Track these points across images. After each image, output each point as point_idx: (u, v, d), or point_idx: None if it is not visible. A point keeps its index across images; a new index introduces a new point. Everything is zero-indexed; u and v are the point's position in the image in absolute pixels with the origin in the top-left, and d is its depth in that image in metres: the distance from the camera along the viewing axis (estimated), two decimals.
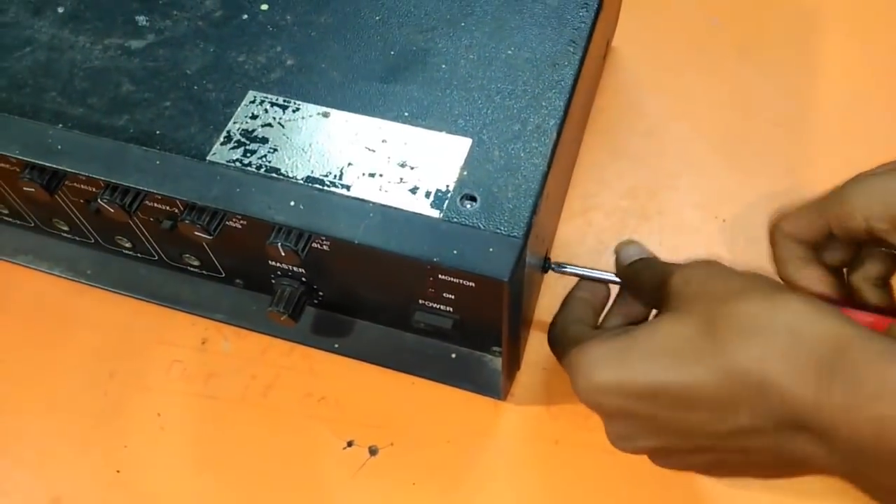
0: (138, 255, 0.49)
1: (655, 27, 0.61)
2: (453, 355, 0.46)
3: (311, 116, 0.39)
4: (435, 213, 0.35)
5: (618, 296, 0.40)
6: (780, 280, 0.36)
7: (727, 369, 0.28)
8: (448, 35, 0.41)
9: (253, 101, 0.39)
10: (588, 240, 0.51)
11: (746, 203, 0.52)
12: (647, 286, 0.36)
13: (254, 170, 0.37)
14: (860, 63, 0.58)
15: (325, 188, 0.36)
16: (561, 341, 0.38)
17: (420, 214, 0.35)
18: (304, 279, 0.43)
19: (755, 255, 0.50)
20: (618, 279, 0.40)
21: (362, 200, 0.36)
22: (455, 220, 0.35)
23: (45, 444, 0.45)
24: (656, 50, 0.60)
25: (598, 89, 0.57)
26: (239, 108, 0.39)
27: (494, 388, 0.45)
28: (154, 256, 0.48)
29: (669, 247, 0.50)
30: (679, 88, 0.58)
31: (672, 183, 0.53)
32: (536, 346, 0.47)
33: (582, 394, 0.33)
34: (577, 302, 0.40)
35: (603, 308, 0.40)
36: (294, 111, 0.39)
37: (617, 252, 0.40)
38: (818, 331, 0.27)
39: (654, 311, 0.38)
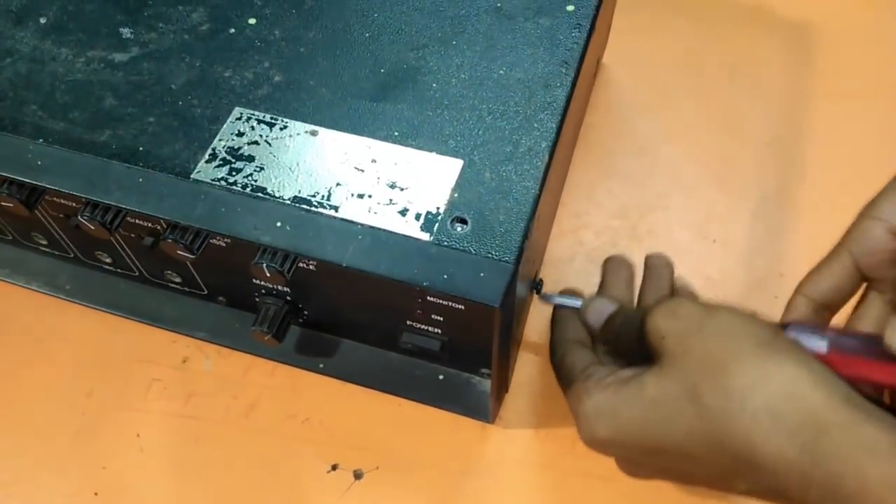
0: (118, 270, 0.47)
1: (646, 45, 0.61)
2: (441, 377, 0.45)
3: (298, 134, 0.38)
4: (425, 236, 0.34)
5: None
6: None
7: (718, 445, 0.28)
8: (439, 53, 0.41)
9: (239, 118, 0.38)
10: (578, 258, 0.51)
11: (737, 224, 0.52)
12: (626, 345, 0.35)
13: (239, 189, 0.36)
14: (851, 84, 0.59)
15: (313, 209, 0.35)
16: (560, 369, 0.37)
17: (410, 237, 0.34)
18: (288, 298, 0.43)
19: (745, 277, 0.50)
20: None
21: (351, 222, 0.35)
22: (445, 243, 0.34)
23: (20, 465, 0.44)
24: (647, 68, 0.60)
25: (588, 106, 0.57)
26: (225, 125, 0.38)
27: (483, 410, 0.44)
28: (135, 272, 0.47)
29: None
30: (670, 107, 0.58)
31: (663, 203, 0.53)
32: (525, 368, 0.46)
33: (586, 443, 0.33)
34: (568, 321, 0.40)
35: None
36: (281, 129, 0.38)
37: (583, 315, 0.39)
38: (801, 410, 0.27)
39: None
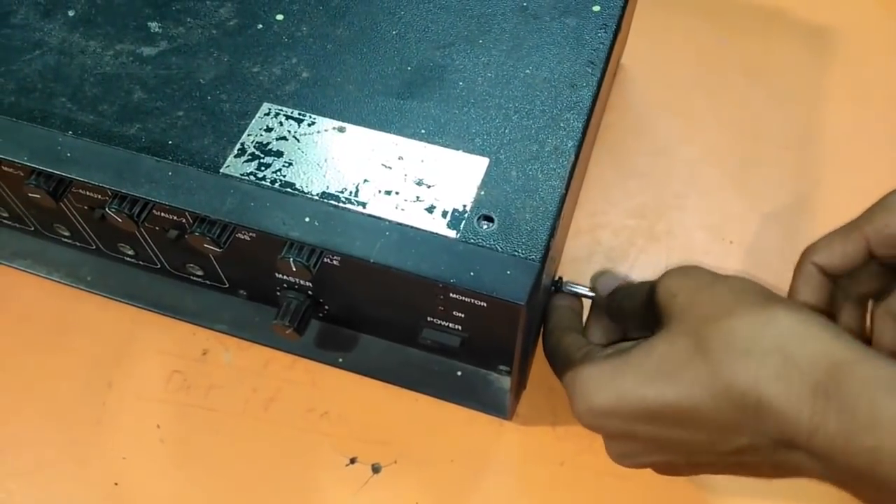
0: (140, 262, 0.48)
1: (665, 46, 0.61)
2: (459, 373, 0.45)
3: (326, 131, 0.38)
4: (452, 234, 0.35)
5: (591, 308, 0.41)
6: None
7: (723, 392, 0.28)
8: (466, 52, 0.41)
9: (268, 114, 0.39)
10: (596, 258, 0.51)
11: (754, 225, 0.52)
12: (630, 312, 0.37)
13: (268, 184, 0.36)
14: (869, 87, 0.59)
15: (341, 205, 0.36)
16: (556, 353, 0.38)
17: (437, 234, 0.35)
18: (310, 292, 0.43)
19: (761, 278, 0.50)
20: None
21: (378, 218, 0.35)
22: (472, 240, 0.35)
23: (42, 454, 0.44)
24: (665, 69, 0.60)
25: (606, 106, 0.57)
26: (253, 120, 0.38)
27: (500, 407, 0.44)
28: (157, 265, 0.47)
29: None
30: (688, 108, 0.58)
31: (680, 203, 0.53)
32: (542, 366, 0.47)
33: (581, 416, 0.33)
34: (563, 311, 0.41)
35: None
36: (309, 125, 0.38)
37: (593, 284, 0.41)
38: (811, 350, 0.27)
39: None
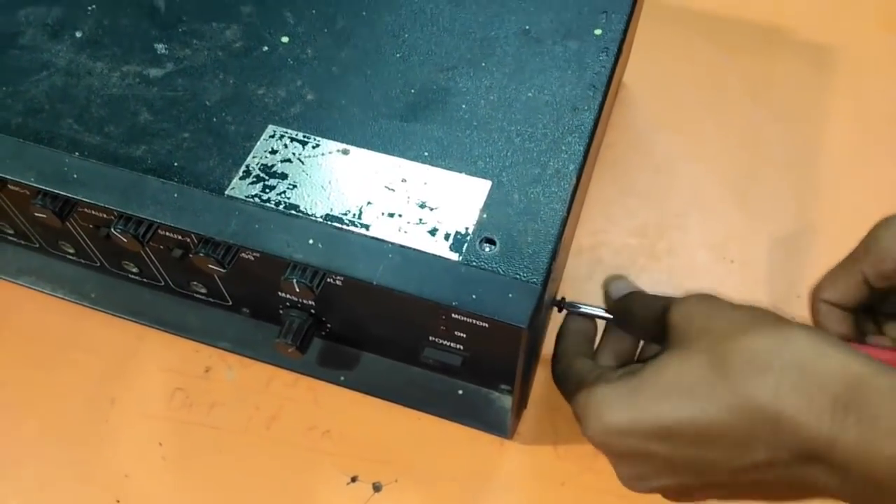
0: (144, 280, 0.48)
1: (666, 65, 0.61)
2: (460, 392, 0.45)
3: (330, 153, 0.39)
4: (454, 256, 0.35)
5: (605, 331, 0.40)
6: None
7: (742, 406, 0.28)
8: (468, 75, 0.41)
9: (272, 136, 0.39)
10: (596, 276, 0.51)
11: (755, 244, 0.52)
12: (640, 320, 0.37)
13: (272, 206, 0.37)
14: (871, 105, 0.59)
15: (345, 227, 0.36)
16: (567, 377, 0.38)
17: (439, 257, 0.35)
18: (312, 311, 0.43)
19: (764, 298, 0.50)
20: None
21: (381, 240, 0.36)
22: (474, 263, 0.35)
23: (44, 472, 0.45)
24: (667, 87, 0.60)
25: (608, 125, 0.58)
26: (258, 143, 0.39)
27: (501, 426, 0.44)
28: (160, 282, 0.48)
29: (678, 286, 0.51)
30: (689, 127, 0.58)
31: (681, 222, 0.54)
32: (543, 385, 0.47)
33: (593, 436, 0.33)
34: (574, 335, 0.40)
35: (595, 337, 0.41)
36: (314, 147, 0.39)
37: (606, 286, 0.40)
38: (829, 365, 0.27)
39: (642, 343, 0.39)
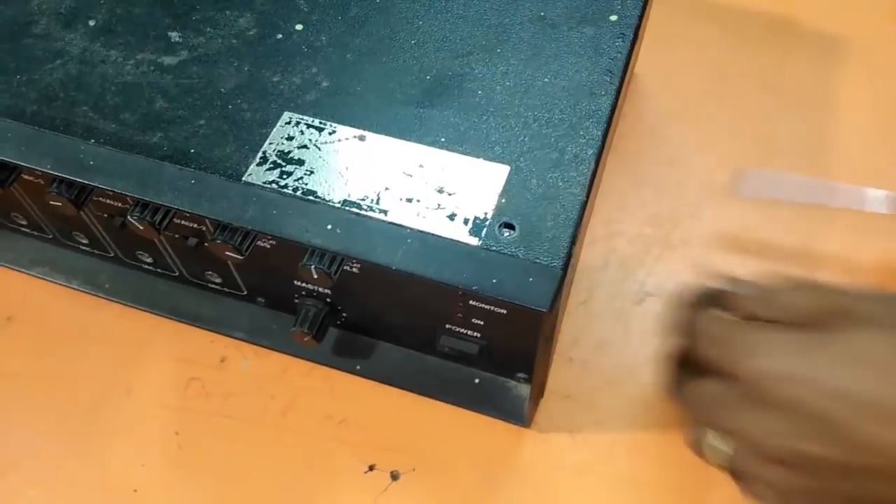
0: (158, 270, 0.48)
1: (678, 55, 0.61)
2: (477, 380, 0.45)
3: (347, 139, 0.38)
4: (473, 241, 0.35)
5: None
6: None
7: None
8: (484, 61, 0.41)
9: (288, 123, 0.39)
10: (611, 266, 0.51)
11: (769, 234, 0.52)
12: (796, 310, 0.34)
13: (290, 192, 0.36)
14: (882, 96, 0.59)
15: (363, 212, 0.36)
16: (707, 320, 0.35)
17: (458, 241, 0.35)
18: (328, 300, 0.43)
19: None
20: None
21: (400, 226, 0.35)
22: (494, 248, 0.35)
23: (61, 461, 0.45)
24: (678, 78, 0.60)
25: (620, 115, 0.58)
26: (274, 129, 0.39)
27: (519, 414, 0.44)
28: (175, 272, 0.48)
29: (695, 276, 0.50)
30: (701, 117, 0.58)
31: (696, 212, 0.53)
32: (560, 373, 0.47)
33: (756, 373, 0.31)
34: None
35: None
36: (330, 133, 0.39)
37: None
38: None
39: None
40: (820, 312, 0.32)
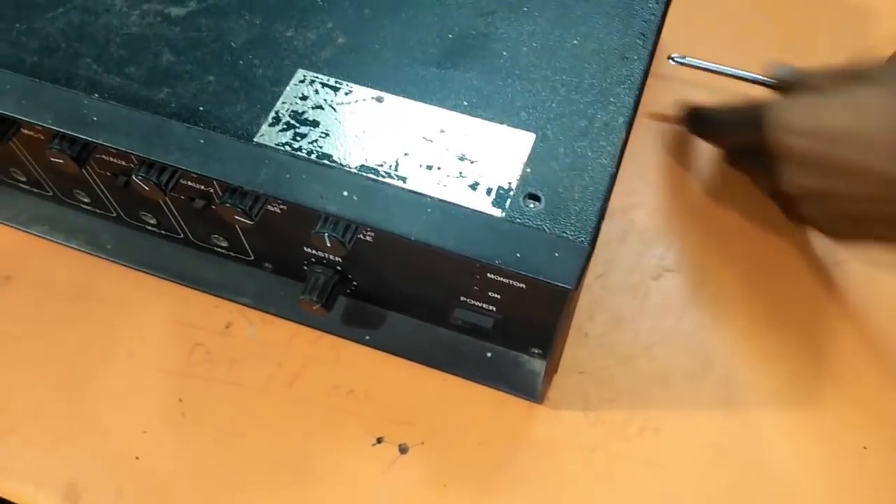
0: (163, 232, 0.46)
1: (702, 22, 0.59)
2: (489, 354, 0.44)
3: (364, 100, 0.36)
4: (497, 212, 0.33)
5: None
6: None
7: None
8: (509, 20, 0.39)
9: (302, 81, 0.37)
10: (630, 239, 0.50)
11: None
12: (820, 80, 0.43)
13: (304, 155, 0.35)
14: None
15: (380, 179, 0.34)
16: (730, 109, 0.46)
17: (481, 212, 0.33)
18: (339, 268, 0.42)
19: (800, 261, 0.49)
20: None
21: (419, 194, 0.34)
22: (518, 220, 0.33)
23: (61, 426, 0.43)
24: (703, 46, 0.58)
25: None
26: (288, 88, 0.37)
27: (531, 390, 0.43)
28: (179, 235, 0.46)
29: (721, 245, 0.49)
30: (724, 87, 0.56)
31: None
32: (574, 349, 0.46)
33: (774, 132, 0.39)
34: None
35: None
36: (346, 94, 0.37)
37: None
38: None
39: None
40: (843, 80, 0.41)
